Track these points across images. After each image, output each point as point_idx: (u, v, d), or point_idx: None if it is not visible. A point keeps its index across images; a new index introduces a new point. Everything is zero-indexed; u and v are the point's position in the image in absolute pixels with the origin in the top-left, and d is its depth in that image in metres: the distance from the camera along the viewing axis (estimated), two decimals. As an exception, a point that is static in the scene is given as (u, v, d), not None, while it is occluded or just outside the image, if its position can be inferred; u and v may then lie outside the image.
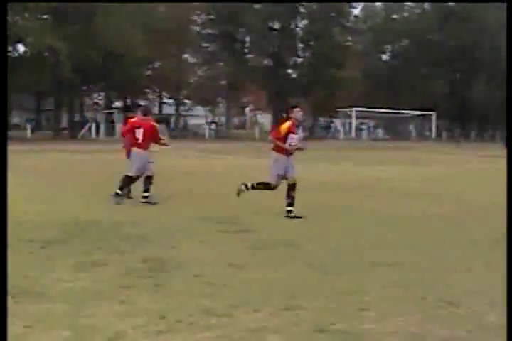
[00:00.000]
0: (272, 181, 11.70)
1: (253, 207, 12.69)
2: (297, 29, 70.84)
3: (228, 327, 5.30)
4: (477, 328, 5.53)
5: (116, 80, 57.64)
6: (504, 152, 43.43)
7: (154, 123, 13.56)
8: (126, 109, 54.77)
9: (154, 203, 12.91)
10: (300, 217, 11.34)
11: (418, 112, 65.36)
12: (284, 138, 11.48)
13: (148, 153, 13.46)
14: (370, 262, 7.92)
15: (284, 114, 12.21)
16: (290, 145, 11.48)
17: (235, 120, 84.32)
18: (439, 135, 69.49)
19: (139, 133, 13.17)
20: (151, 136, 13.30)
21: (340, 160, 29.42)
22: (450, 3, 78.01)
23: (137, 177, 13.33)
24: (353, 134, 62.24)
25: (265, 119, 78.26)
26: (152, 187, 13.50)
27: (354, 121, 62.58)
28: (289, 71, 71.94)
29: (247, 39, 70.01)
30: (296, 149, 11.68)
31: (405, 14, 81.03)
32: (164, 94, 70.69)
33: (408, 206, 13.65)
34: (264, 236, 9.45)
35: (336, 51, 65.12)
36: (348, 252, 8.55)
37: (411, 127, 71.74)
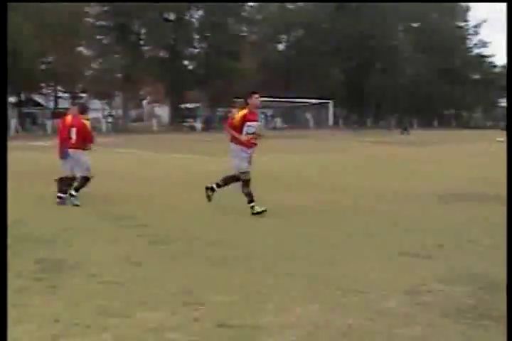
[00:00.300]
0: (242, 173, 11.10)
1: (153, 202, 12.52)
2: (193, 20, 70.46)
3: (126, 328, 5.16)
4: (378, 315, 5.56)
5: (9, 75, 55.93)
6: (400, 138, 44.43)
7: (86, 122, 12.89)
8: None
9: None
10: (209, 198, 11.38)
11: (315, 101, 66.04)
12: (240, 128, 11.00)
13: (85, 153, 12.82)
14: (269, 254, 7.89)
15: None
16: (247, 133, 11.01)
17: (133, 113, 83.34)
18: (336, 123, 70.42)
19: (73, 133, 12.61)
20: (84, 136, 12.68)
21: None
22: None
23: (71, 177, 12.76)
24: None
25: (163, 111, 77.64)
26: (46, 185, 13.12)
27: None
28: (186, 62, 71.55)
29: (142, 31, 69.20)
30: (254, 137, 11.17)
31: (300, 4, 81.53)
32: (59, 88, 69.15)
33: (307, 196, 13.71)
34: (163, 232, 9.29)
35: (232, 42, 65.15)
36: (246, 245, 8.49)
37: (308, 116, 72.42)
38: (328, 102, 67.36)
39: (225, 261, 7.50)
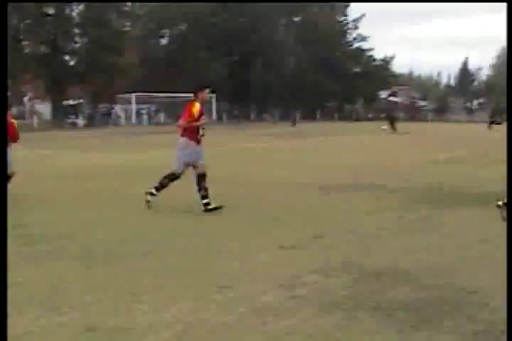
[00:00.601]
0: (178, 169, 10.78)
1: (28, 200, 12.10)
2: (73, 14, 69.01)
3: (-12, 335, 4.89)
4: (253, 311, 5.50)
5: None
6: (287, 130, 44.75)
7: (13, 120, 12.11)
8: None
9: None
10: (220, 207, 10.55)
11: (198, 95, 65.79)
12: (197, 121, 10.66)
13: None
14: (142, 251, 7.72)
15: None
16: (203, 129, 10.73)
17: (14, 110, 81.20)
18: (220, 117, 70.40)
19: None
20: (10, 134, 11.85)
21: (116, 147, 29.02)
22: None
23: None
24: (134, 120, 61.77)
25: (44, 108, 75.82)
26: None
27: (134, 107, 62.10)
28: (67, 58, 70.05)
29: (21, 25, 67.33)
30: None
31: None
32: None
33: (186, 188, 13.53)
34: (36, 231, 8.95)
35: (114, 37, 64.15)
36: (120, 242, 8.26)
37: (192, 110, 72.11)
38: (211, 96, 67.28)
39: (98, 259, 7.29)
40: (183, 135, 10.80)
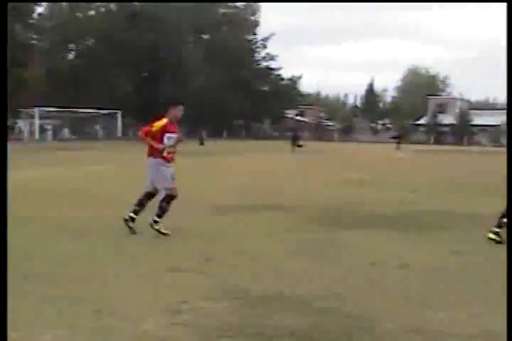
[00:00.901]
0: (168, 187, 10.23)
1: None
2: (-24, 25, 67.51)
3: None
4: (132, 339, 5.31)
5: None
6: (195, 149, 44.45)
7: None
8: None
9: None
10: (134, 233, 10.12)
11: (104, 111, 65.05)
12: (160, 138, 10.09)
13: None
14: (24, 274, 7.39)
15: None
16: (167, 145, 10.12)
17: None
18: (125, 134, 69.58)
19: None
20: None
21: (17, 164, 28.30)
22: (134, 3, 78.93)
23: None
24: (37, 135, 60.43)
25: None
26: None
27: (37, 122, 60.79)
28: (-32, 69, 68.40)
29: None
30: (172, 151, 10.28)
31: (91, 12, 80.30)
32: None
33: (80, 210, 13.24)
34: None
35: (19, 49, 62.92)
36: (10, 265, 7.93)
37: (98, 126, 71.25)
38: (117, 112, 66.60)
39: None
40: (150, 155, 10.32)
